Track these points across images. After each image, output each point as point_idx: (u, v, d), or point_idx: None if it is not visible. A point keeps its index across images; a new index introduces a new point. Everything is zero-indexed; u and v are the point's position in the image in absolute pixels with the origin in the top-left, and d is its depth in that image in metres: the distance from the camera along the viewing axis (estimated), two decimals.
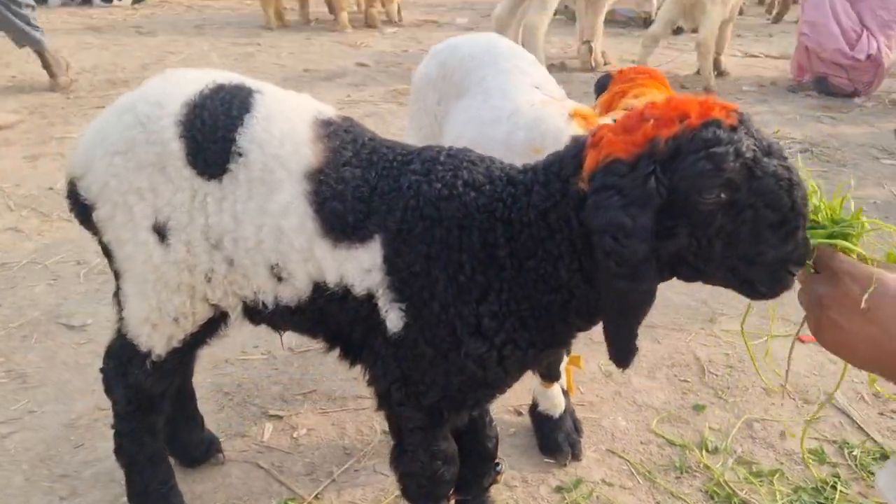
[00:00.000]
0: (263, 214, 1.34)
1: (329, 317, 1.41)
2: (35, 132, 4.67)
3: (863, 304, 1.01)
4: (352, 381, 2.38)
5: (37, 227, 3.42)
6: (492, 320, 1.26)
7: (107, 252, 1.53)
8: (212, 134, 1.35)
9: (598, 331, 2.64)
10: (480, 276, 1.25)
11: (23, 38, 5.23)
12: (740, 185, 1.04)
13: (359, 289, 1.33)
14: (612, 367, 2.51)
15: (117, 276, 1.53)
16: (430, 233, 1.26)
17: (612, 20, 8.18)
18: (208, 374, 2.43)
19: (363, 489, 1.98)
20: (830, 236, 1.10)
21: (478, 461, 1.67)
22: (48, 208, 3.60)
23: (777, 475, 2.04)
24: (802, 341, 2.72)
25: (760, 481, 2.03)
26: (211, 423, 2.12)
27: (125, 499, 1.82)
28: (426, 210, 1.27)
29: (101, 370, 1.70)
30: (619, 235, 1.05)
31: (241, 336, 2.65)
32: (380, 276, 1.30)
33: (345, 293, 1.35)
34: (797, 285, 1.15)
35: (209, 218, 1.37)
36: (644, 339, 2.70)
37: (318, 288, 1.36)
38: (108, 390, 1.70)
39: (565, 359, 2.17)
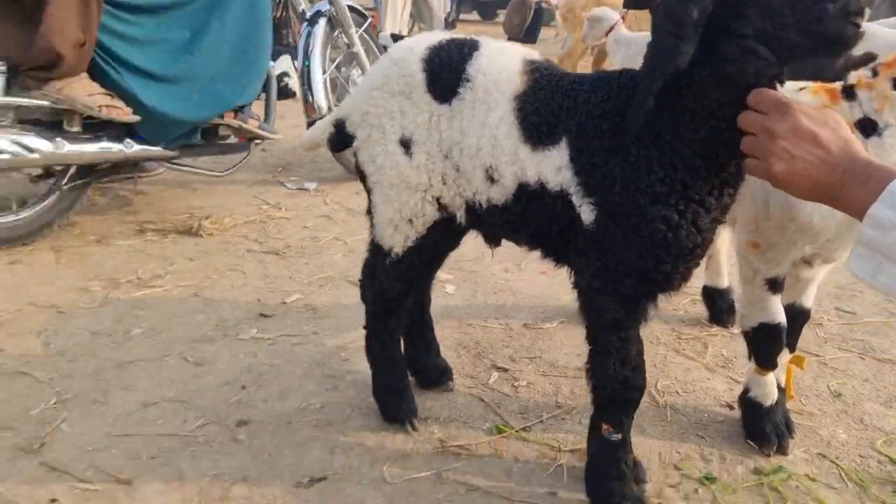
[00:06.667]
0: (483, 127, 1.70)
1: (530, 216, 1.70)
2: None
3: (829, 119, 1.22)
4: (574, 356, 2.61)
5: (343, 218, 4.18)
6: (662, 185, 1.47)
7: (362, 175, 1.98)
8: (447, 67, 1.76)
9: (830, 355, 2.57)
10: (643, 151, 1.49)
11: None
12: None
13: (552, 184, 1.62)
14: (844, 389, 2.45)
15: (370, 193, 1.98)
16: (600, 128, 1.53)
17: None
18: (454, 331, 2.82)
19: (566, 434, 2.18)
20: None
21: None
22: (354, 205, 4.37)
23: None
24: None
25: None
26: None
27: (372, 398, 2.25)
28: (594, 112, 1.55)
29: (360, 280, 2.16)
30: None
31: (486, 310, 3.03)
32: (569, 174, 1.58)
33: (542, 190, 1.64)
34: None
35: (442, 133, 1.77)
36: (888, 374, 2.56)
37: (521, 187, 1.67)
38: (363, 296, 2.15)
39: (787, 355, 2.18)
